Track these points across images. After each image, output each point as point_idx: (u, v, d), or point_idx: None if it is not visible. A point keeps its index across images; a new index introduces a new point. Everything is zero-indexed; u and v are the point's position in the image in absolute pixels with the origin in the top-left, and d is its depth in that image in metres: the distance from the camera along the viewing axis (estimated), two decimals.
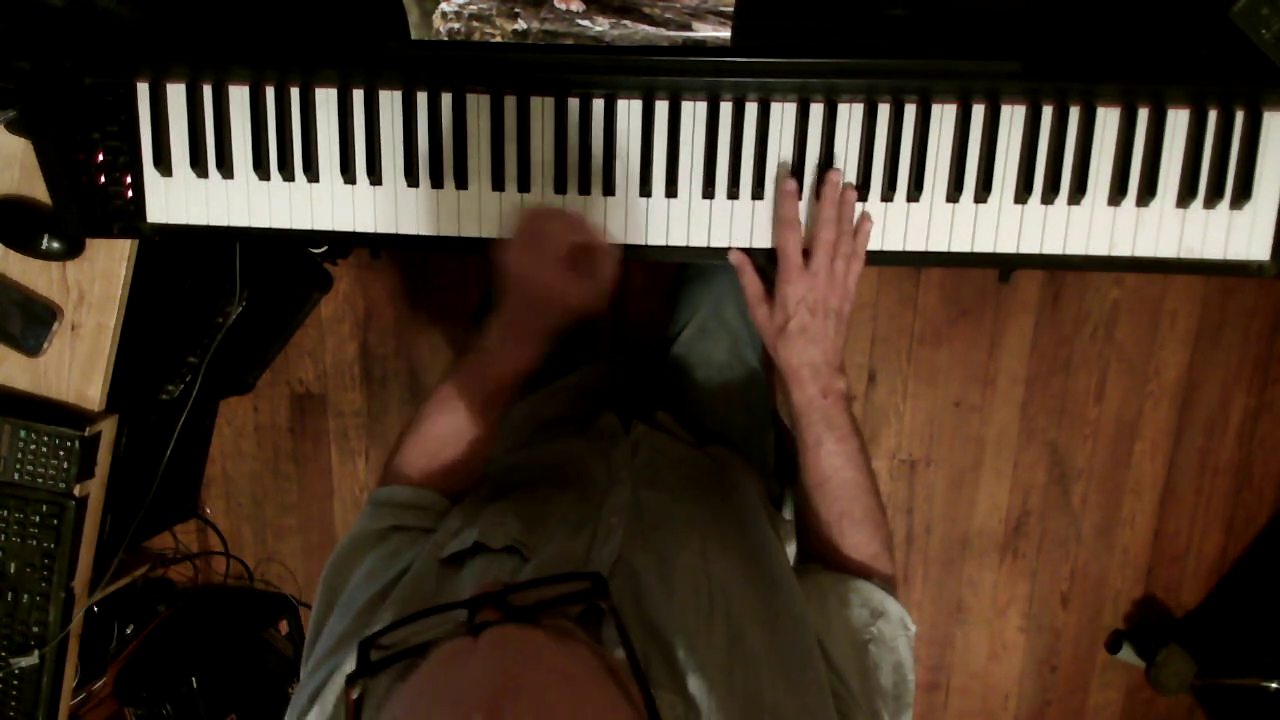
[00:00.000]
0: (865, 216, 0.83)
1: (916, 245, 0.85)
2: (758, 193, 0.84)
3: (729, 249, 0.86)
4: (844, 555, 0.77)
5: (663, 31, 0.76)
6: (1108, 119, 0.81)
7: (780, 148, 0.83)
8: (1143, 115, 0.81)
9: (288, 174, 0.87)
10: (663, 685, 0.53)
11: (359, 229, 0.88)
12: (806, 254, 0.80)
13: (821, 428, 0.78)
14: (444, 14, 0.76)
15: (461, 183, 0.86)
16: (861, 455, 0.79)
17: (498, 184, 0.86)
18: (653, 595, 0.60)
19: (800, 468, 0.80)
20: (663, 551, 0.65)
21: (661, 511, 0.72)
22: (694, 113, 0.83)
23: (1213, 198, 0.82)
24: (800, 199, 0.83)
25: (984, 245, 0.85)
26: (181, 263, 1.28)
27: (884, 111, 0.82)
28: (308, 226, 0.88)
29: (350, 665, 0.57)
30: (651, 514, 0.71)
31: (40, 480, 1.12)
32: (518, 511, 0.71)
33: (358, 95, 0.84)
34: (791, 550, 0.88)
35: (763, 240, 0.86)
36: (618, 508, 0.71)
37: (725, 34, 0.76)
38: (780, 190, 0.83)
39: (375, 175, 0.86)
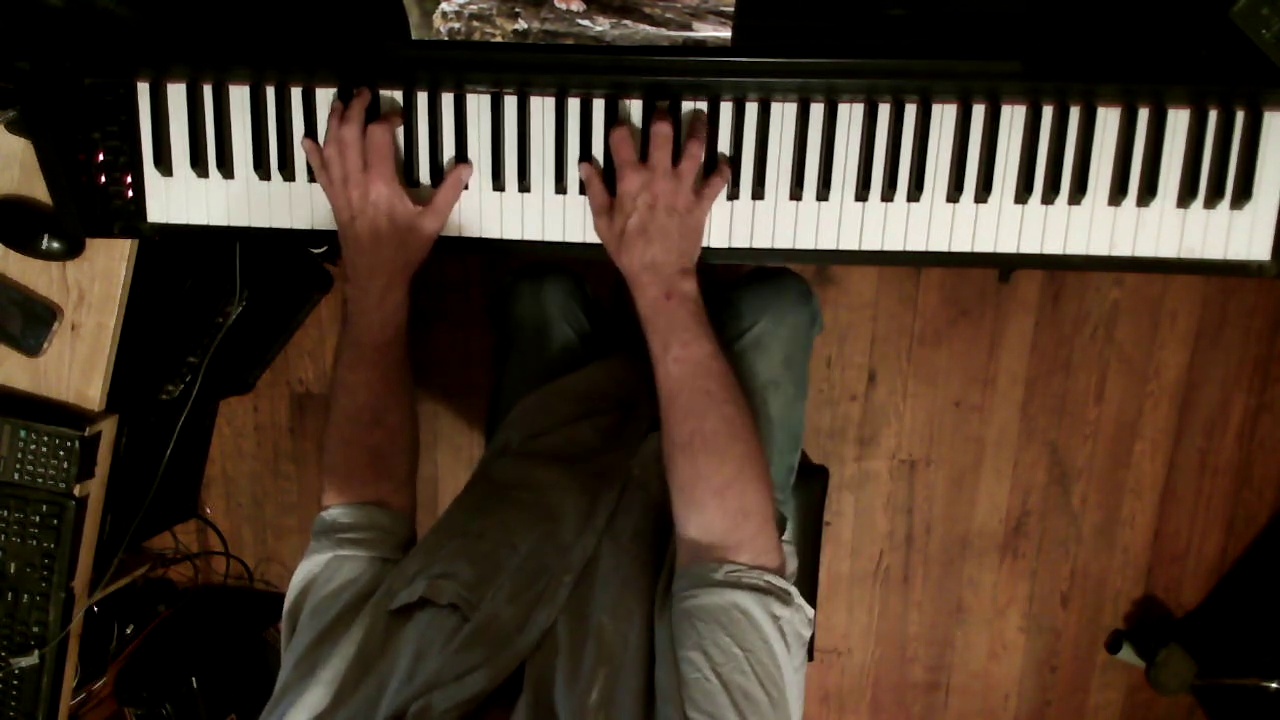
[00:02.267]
0: (723, 159, 0.83)
1: (916, 245, 0.85)
2: (758, 193, 0.84)
3: (580, 164, 0.83)
4: (696, 489, 0.68)
5: (663, 31, 0.76)
6: (1108, 119, 0.81)
7: (780, 148, 0.83)
8: (1143, 115, 0.81)
9: (288, 174, 0.87)
10: None
11: None
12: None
13: (666, 333, 0.72)
14: (444, 14, 0.76)
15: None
16: (715, 362, 0.71)
17: (498, 184, 0.86)
18: (562, 678, 0.60)
19: (656, 388, 0.74)
20: (593, 616, 0.65)
21: (611, 567, 0.71)
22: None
23: (1213, 198, 0.82)
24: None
25: (984, 245, 0.85)
26: (181, 263, 1.28)
27: (884, 111, 0.82)
28: (308, 226, 0.88)
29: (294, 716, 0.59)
30: (603, 570, 0.71)
31: (40, 480, 1.12)
32: (474, 555, 0.71)
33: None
34: (793, 565, 0.86)
35: (763, 240, 0.86)
36: (575, 565, 0.70)
37: (725, 34, 0.76)
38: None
39: None
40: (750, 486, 0.68)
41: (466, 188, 0.86)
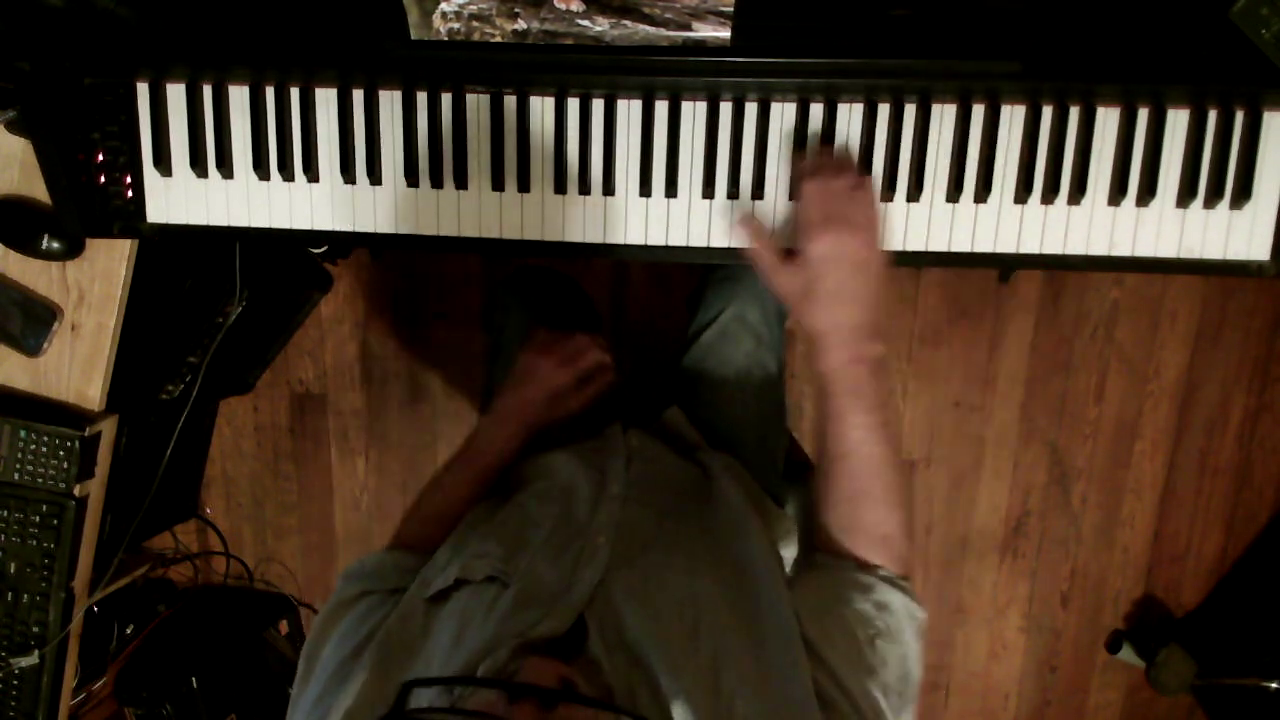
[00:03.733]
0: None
1: (916, 245, 0.85)
2: (758, 193, 0.84)
3: (739, 220, 0.81)
4: (852, 535, 0.73)
5: (663, 31, 0.76)
6: (1108, 119, 0.81)
7: (780, 148, 0.83)
8: (1143, 115, 0.81)
9: (288, 174, 0.87)
10: (649, 714, 0.53)
11: (359, 229, 0.88)
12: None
13: (848, 398, 0.72)
14: (444, 14, 0.76)
15: (461, 183, 0.86)
16: (888, 429, 0.73)
17: (497, 184, 0.86)
18: (636, 618, 0.60)
19: (822, 440, 0.76)
20: (648, 572, 0.65)
21: (649, 530, 0.72)
22: (694, 113, 0.83)
23: (1212, 198, 0.82)
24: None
25: (984, 245, 0.85)
26: (181, 263, 1.28)
27: (884, 111, 0.82)
28: (308, 226, 0.88)
29: (336, 712, 0.59)
30: (639, 532, 0.71)
31: (40, 480, 1.12)
32: (500, 535, 0.72)
33: (358, 95, 0.84)
34: (790, 552, 0.87)
35: None
36: (605, 526, 0.71)
37: (725, 34, 0.76)
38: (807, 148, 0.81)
39: (375, 175, 0.86)
40: (906, 537, 0.73)
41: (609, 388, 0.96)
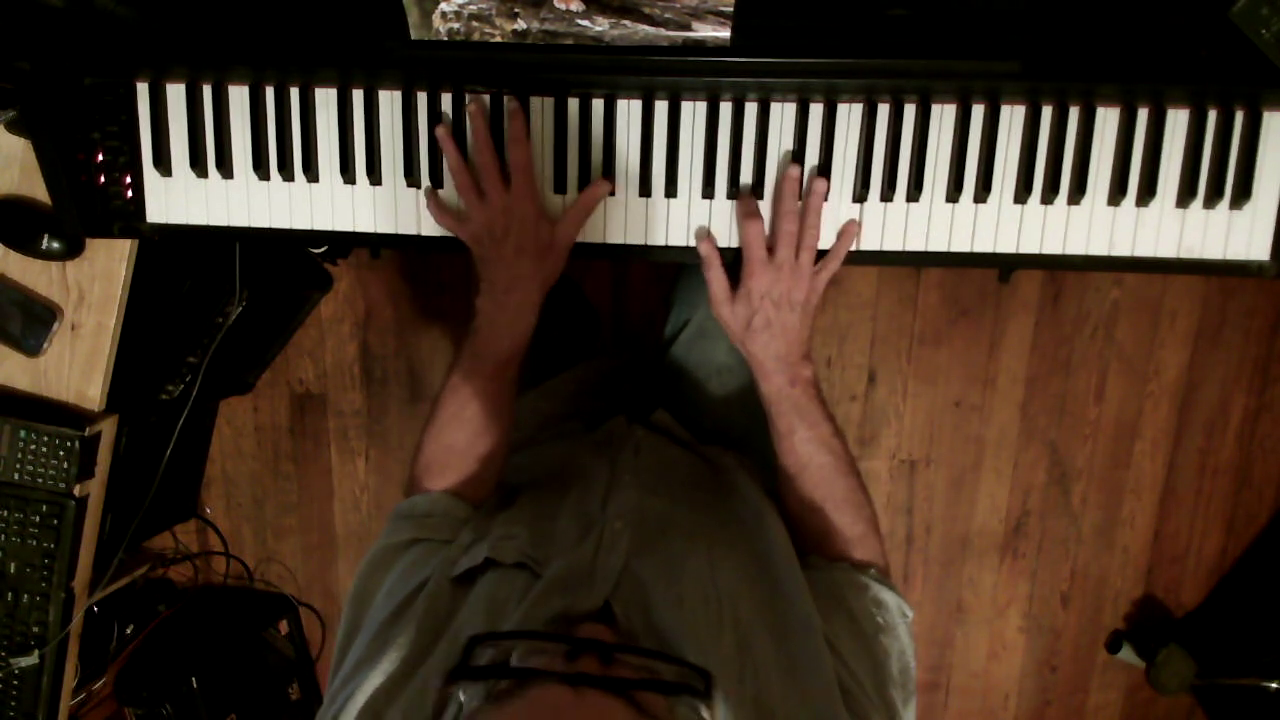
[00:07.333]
0: (851, 221, 0.83)
1: (916, 245, 0.85)
2: (757, 192, 0.84)
3: (699, 239, 0.84)
4: (831, 540, 0.77)
5: (663, 31, 0.76)
6: (1108, 119, 0.81)
7: (780, 148, 0.83)
8: (1142, 115, 0.81)
9: (287, 174, 0.87)
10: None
11: (359, 229, 0.88)
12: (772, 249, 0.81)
13: (793, 416, 0.78)
14: (444, 14, 0.76)
15: None
16: (836, 439, 0.79)
17: None
18: (662, 605, 0.60)
19: (777, 457, 0.81)
20: (669, 559, 0.66)
21: (666, 519, 0.72)
22: (694, 113, 0.83)
23: (1212, 198, 0.82)
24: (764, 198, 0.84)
25: (984, 245, 0.85)
26: (181, 263, 1.28)
27: (884, 111, 0.82)
28: (308, 226, 0.88)
29: (363, 692, 0.58)
30: (656, 521, 0.71)
31: (40, 480, 1.12)
32: (526, 521, 0.72)
33: (357, 95, 0.84)
34: None
35: None
36: (621, 514, 0.71)
37: (725, 34, 0.76)
38: (743, 188, 0.84)
39: (375, 175, 0.86)
40: (876, 535, 0.79)
41: (613, 194, 0.85)
